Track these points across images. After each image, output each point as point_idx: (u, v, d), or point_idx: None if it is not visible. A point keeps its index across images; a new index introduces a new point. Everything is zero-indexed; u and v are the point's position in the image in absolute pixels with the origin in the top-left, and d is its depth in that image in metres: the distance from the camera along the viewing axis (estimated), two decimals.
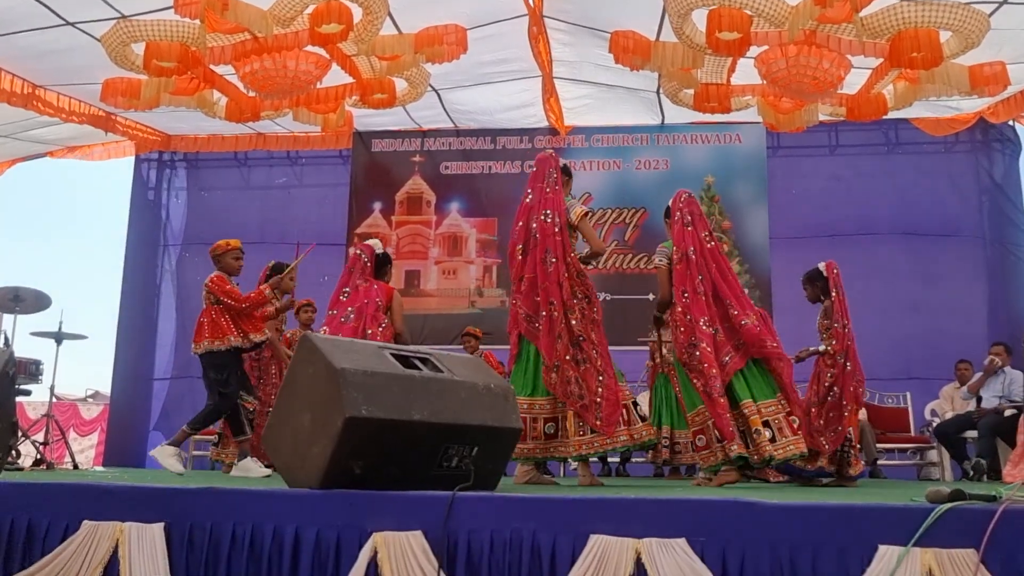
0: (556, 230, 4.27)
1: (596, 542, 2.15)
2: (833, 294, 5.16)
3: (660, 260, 4.60)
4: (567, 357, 4.13)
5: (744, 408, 4.23)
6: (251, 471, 4.92)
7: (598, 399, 4.10)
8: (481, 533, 2.21)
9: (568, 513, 2.20)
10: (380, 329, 5.00)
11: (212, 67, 6.77)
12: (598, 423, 4.07)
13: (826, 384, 5.07)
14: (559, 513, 2.21)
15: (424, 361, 2.69)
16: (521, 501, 2.24)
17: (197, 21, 5.92)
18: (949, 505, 2.10)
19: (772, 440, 4.18)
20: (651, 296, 8.51)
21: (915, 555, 2.06)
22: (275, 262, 6.05)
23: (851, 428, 4.93)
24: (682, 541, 2.13)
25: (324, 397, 2.36)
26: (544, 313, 4.18)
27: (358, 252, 5.39)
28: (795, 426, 4.36)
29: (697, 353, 4.26)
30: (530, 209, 4.39)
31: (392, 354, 2.60)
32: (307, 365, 2.44)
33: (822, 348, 5.17)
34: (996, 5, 5.72)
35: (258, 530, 2.28)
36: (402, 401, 2.42)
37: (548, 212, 4.34)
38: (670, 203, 4.71)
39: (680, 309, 4.40)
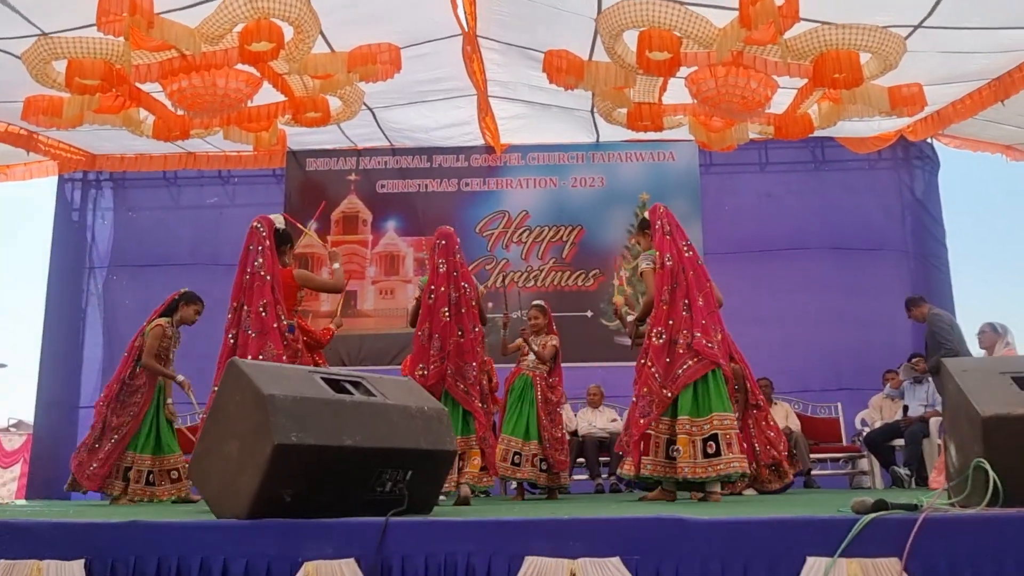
0: (473, 303, 4.86)
1: (531, 563, 2.14)
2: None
3: (646, 264, 4.65)
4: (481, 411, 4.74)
5: (677, 423, 4.25)
6: None
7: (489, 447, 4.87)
8: (415, 558, 2.18)
9: (502, 535, 2.18)
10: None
11: (138, 85, 6.61)
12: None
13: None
14: (493, 535, 2.19)
15: (356, 385, 2.65)
16: (455, 524, 2.22)
17: (121, 38, 5.77)
18: (873, 515, 2.15)
19: (716, 454, 4.16)
20: (589, 313, 8.58)
21: (841, 565, 2.09)
22: (185, 290, 5.96)
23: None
24: (616, 560, 2.13)
25: (252, 424, 2.30)
26: (473, 375, 4.73)
27: (256, 225, 4.50)
28: (742, 445, 4.37)
29: (644, 362, 4.40)
30: (448, 277, 4.80)
31: (323, 378, 2.56)
32: (234, 391, 2.38)
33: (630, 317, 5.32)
34: (911, 29, 5.95)
35: (184, 563, 2.20)
36: (333, 426, 2.38)
37: (466, 286, 4.86)
38: (647, 215, 4.78)
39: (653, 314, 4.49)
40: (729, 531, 2.16)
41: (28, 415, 10.22)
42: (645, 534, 2.17)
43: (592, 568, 2.13)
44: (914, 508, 2.24)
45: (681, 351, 4.28)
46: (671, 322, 4.35)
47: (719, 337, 4.47)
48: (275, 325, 4.24)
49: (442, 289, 4.77)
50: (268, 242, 4.40)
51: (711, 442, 4.18)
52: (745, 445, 4.81)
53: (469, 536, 2.19)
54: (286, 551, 2.20)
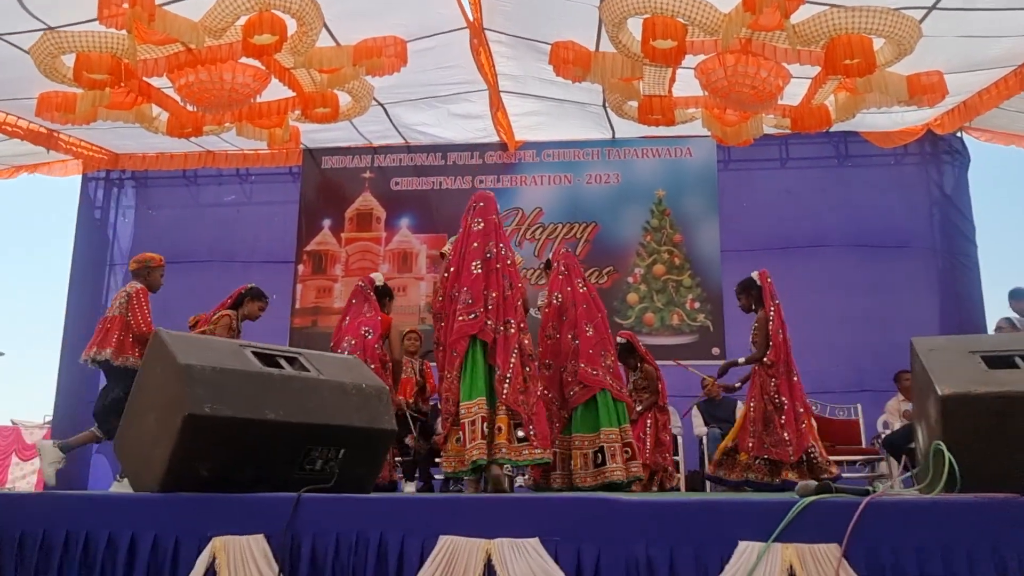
0: (508, 263, 4.50)
1: (445, 543, 2.03)
2: (768, 304, 5.12)
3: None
4: (520, 370, 4.31)
5: (572, 440, 4.88)
6: None
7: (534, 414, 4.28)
8: (326, 536, 2.08)
9: (417, 514, 2.08)
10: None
11: (148, 80, 6.66)
12: (532, 435, 4.13)
13: (772, 394, 5.01)
14: (408, 514, 2.09)
15: (291, 360, 2.56)
16: (368, 502, 2.12)
17: (124, 32, 5.81)
18: (812, 499, 2.00)
19: (601, 464, 4.76)
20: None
21: (776, 550, 1.95)
22: (252, 285, 6.03)
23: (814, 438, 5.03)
24: (535, 541, 2.02)
25: (169, 396, 2.23)
26: (502, 329, 4.30)
27: (360, 284, 5.85)
28: (627, 456, 4.83)
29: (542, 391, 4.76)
30: (485, 235, 4.43)
31: (253, 352, 2.48)
32: (156, 363, 2.32)
33: (741, 360, 5.22)
34: (925, 11, 5.71)
35: (92, 536, 2.14)
36: (255, 399, 2.30)
37: (503, 246, 4.50)
38: (550, 256, 5.50)
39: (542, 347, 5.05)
40: (656, 513, 2.03)
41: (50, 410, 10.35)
42: (567, 515, 2.05)
43: (509, 549, 2.02)
44: (865, 493, 2.08)
45: (569, 379, 4.90)
46: (558, 354, 5.01)
47: (609, 361, 5.04)
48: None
49: (475, 245, 4.35)
50: (372, 295, 5.67)
51: (599, 454, 4.79)
52: (637, 444, 5.38)
53: (382, 514, 2.10)
54: (196, 526, 2.13)
